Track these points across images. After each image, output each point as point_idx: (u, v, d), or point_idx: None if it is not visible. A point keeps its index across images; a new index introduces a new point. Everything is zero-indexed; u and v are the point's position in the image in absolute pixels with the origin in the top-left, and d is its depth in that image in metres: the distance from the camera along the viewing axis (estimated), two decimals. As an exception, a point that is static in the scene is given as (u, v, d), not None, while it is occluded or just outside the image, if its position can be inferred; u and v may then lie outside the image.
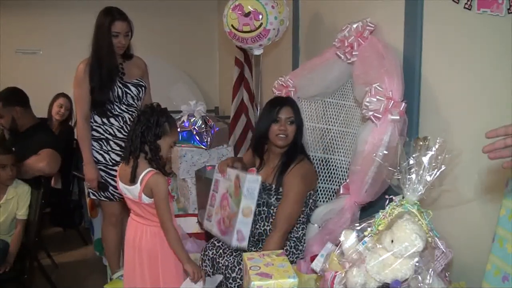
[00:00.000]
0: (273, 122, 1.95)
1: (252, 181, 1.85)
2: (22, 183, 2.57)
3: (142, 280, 1.86)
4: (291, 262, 1.87)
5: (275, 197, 1.96)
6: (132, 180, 1.75)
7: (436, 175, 1.31)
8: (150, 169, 1.76)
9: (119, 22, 2.34)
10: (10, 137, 2.73)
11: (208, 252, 2.02)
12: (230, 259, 1.92)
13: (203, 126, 2.97)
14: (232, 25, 2.58)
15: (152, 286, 1.85)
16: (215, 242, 2.04)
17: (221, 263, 1.94)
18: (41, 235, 3.07)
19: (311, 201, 2.00)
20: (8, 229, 2.53)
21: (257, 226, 1.99)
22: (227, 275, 1.89)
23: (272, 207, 1.97)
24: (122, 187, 1.83)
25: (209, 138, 2.97)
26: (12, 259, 2.43)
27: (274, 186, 1.97)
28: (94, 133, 2.42)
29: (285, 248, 1.96)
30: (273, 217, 1.95)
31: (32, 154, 2.63)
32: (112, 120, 2.41)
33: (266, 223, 1.99)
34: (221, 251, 1.98)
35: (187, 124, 2.99)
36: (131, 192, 1.79)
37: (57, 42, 4.58)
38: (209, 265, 2.01)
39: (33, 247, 2.65)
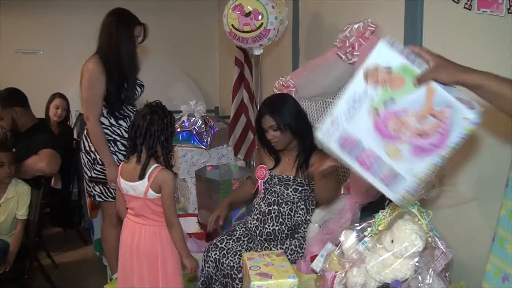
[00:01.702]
0: (264, 132, 2.02)
1: (388, 43, 1.19)
2: (22, 183, 2.57)
3: (140, 282, 1.85)
4: (294, 261, 1.88)
5: (293, 187, 1.98)
6: (141, 177, 1.78)
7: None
8: (157, 164, 1.80)
9: (139, 26, 2.38)
10: (11, 138, 2.72)
11: (211, 253, 2.01)
12: (235, 259, 1.92)
13: (203, 126, 2.98)
14: (232, 25, 2.58)
15: (152, 286, 1.85)
16: (218, 243, 2.03)
17: (226, 263, 1.94)
18: (41, 235, 3.07)
19: None
20: (8, 229, 2.52)
21: (266, 226, 2.00)
22: (233, 275, 1.90)
23: (284, 205, 1.99)
24: (125, 184, 1.84)
25: (209, 138, 2.97)
26: (12, 259, 2.42)
27: (292, 177, 1.99)
28: None
29: (289, 247, 1.98)
30: (283, 217, 1.98)
31: (32, 154, 2.63)
32: (120, 121, 2.42)
33: (275, 223, 1.99)
34: (224, 251, 1.98)
35: (187, 124, 3.00)
36: (136, 188, 1.81)
37: (57, 42, 4.57)
38: (211, 266, 2.00)
39: (33, 247, 2.65)
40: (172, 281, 1.86)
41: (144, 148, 1.79)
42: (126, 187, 1.84)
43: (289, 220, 1.98)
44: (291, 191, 1.99)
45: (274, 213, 1.99)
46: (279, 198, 2.01)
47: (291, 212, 1.99)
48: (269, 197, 2.03)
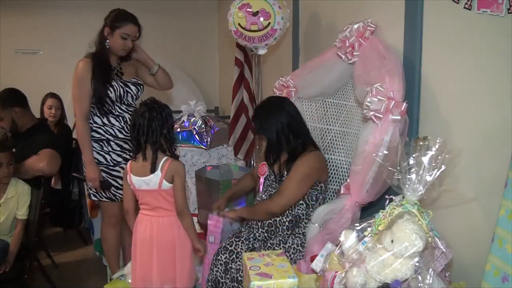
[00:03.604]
0: None
1: None
2: (22, 182, 2.57)
3: (160, 272, 1.90)
4: (296, 260, 1.89)
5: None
6: (153, 170, 1.85)
7: (436, 175, 1.31)
8: (166, 157, 1.88)
9: (132, 25, 2.36)
10: (11, 138, 2.72)
11: (221, 257, 2.01)
12: (242, 263, 1.92)
13: (203, 126, 2.98)
14: (239, 24, 2.58)
15: (170, 276, 1.91)
16: (228, 246, 2.03)
17: (234, 267, 1.95)
18: (41, 235, 3.07)
19: (320, 196, 2.04)
20: (9, 229, 2.52)
21: None
22: (239, 278, 1.90)
23: None
24: (137, 180, 1.89)
25: (209, 138, 2.97)
26: (12, 259, 2.42)
27: (285, 173, 2.04)
28: (95, 134, 2.41)
29: (291, 245, 1.99)
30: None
31: (32, 154, 2.63)
32: (113, 120, 2.41)
33: None
34: (234, 255, 1.99)
35: (187, 124, 2.99)
36: (150, 181, 1.87)
37: (57, 42, 4.57)
38: (221, 270, 2.00)
39: (33, 247, 2.65)
40: (189, 264, 1.94)
41: (149, 145, 1.86)
42: (139, 183, 1.89)
43: (289, 211, 2.01)
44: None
45: None
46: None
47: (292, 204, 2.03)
48: (270, 189, 2.09)
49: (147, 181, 1.87)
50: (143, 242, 1.92)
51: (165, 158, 1.87)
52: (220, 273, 2.00)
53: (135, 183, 1.90)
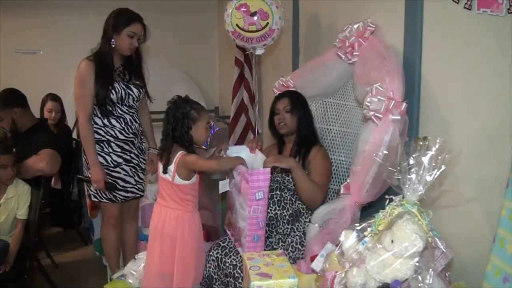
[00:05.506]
0: (274, 115, 2.17)
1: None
2: (22, 182, 2.57)
3: (162, 262, 1.94)
4: (296, 259, 1.89)
5: (291, 176, 2.06)
6: (165, 171, 1.89)
7: (436, 175, 1.31)
8: (181, 152, 1.88)
9: (138, 24, 2.36)
10: (11, 139, 2.73)
11: (213, 252, 2.03)
12: (237, 258, 1.93)
13: (203, 126, 2.98)
14: (237, 25, 2.58)
15: (168, 271, 1.93)
16: (220, 243, 2.05)
17: (228, 262, 1.95)
18: (41, 235, 3.07)
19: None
20: (9, 229, 2.53)
21: (268, 210, 2.04)
22: (236, 274, 1.90)
23: (286, 190, 2.06)
24: (160, 166, 1.95)
25: (209, 138, 2.97)
26: (12, 259, 2.43)
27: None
28: (96, 135, 2.40)
29: (290, 244, 1.99)
30: (285, 201, 2.06)
31: (32, 154, 2.63)
32: (113, 121, 2.40)
33: (277, 207, 2.05)
34: (226, 250, 2.00)
35: (187, 124, 2.99)
36: (167, 173, 1.92)
37: (57, 42, 4.58)
38: (213, 266, 2.01)
39: (33, 247, 2.65)
40: (188, 263, 1.94)
41: (164, 149, 1.90)
42: (161, 171, 1.94)
43: (290, 205, 2.04)
44: (291, 178, 2.05)
45: (276, 197, 2.07)
46: (281, 185, 2.08)
47: (293, 198, 2.05)
48: (271, 184, 2.09)
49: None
50: (151, 229, 1.99)
51: (179, 153, 1.87)
52: (212, 269, 2.01)
53: (160, 170, 1.95)
